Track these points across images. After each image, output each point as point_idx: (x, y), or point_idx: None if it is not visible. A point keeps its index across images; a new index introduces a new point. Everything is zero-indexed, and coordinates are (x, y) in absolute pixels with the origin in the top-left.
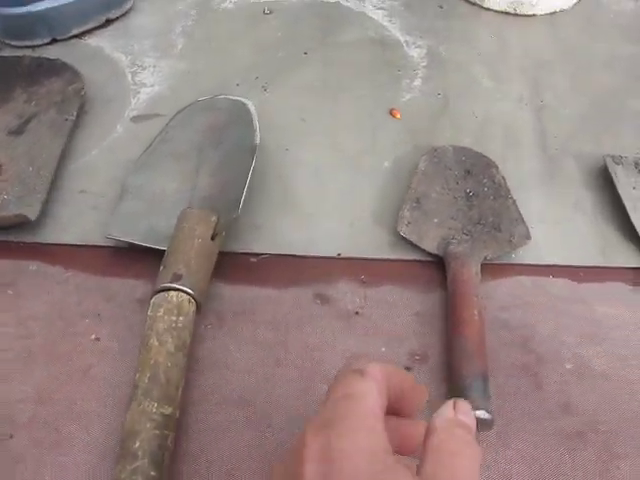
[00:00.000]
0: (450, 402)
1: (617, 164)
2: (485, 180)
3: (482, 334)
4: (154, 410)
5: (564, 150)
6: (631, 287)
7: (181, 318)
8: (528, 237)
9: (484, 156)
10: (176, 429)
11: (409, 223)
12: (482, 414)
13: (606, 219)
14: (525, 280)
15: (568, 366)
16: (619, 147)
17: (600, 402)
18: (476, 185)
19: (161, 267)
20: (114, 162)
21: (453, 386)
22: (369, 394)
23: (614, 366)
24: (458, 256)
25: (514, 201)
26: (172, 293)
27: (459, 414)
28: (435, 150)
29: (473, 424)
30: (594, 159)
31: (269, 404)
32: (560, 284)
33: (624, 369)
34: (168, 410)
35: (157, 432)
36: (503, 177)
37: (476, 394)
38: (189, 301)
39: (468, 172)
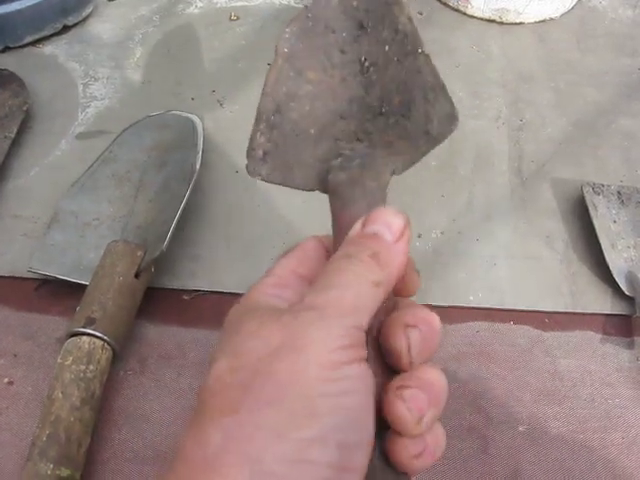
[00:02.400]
0: (361, 219)
1: (597, 194)
2: (385, 33)
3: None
4: (49, 472)
5: (541, 176)
6: (601, 336)
7: (91, 367)
8: (453, 118)
9: None
10: None
11: (266, 155)
12: None
13: (580, 257)
14: (483, 326)
15: (521, 428)
16: (603, 173)
17: (553, 471)
18: (374, 46)
19: (78, 307)
20: (54, 183)
21: None
22: None
23: (573, 429)
24: (339, 191)
25: (427, 57)
26: (84, 339)
27: (367, 226)
28: (307, 9)
29: (388, 228)
30: (573, 186)
31: None
32: (521, 332)
33: (584, 433)
34: (65, 472)
35: None
36: (410, 18)
37: None
38: (103, 348)
39: (361, 26)
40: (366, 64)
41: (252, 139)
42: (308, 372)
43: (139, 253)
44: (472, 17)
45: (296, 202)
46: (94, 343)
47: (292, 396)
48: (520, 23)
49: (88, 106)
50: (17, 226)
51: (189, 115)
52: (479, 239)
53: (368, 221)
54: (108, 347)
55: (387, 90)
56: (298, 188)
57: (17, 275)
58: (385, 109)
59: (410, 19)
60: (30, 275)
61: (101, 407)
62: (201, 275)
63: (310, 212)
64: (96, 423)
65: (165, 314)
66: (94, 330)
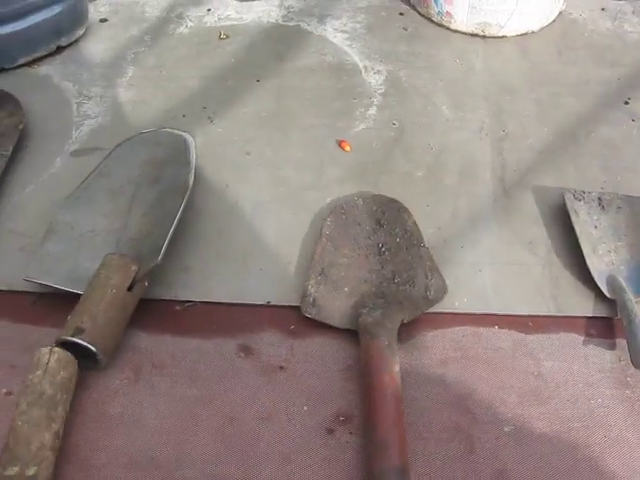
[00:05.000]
0: None
1: (578, 200)
2: (397, 230)
3: (398, 418)
4: None
5: (523, 184)
6: (584, 338)
7: (38, 372)
8: (444, 289)
9: (395, 201)
10: None
11: (315, 301)
12: None
13: (562, 262)
14: (468, 331)
15: (506, 429)
16: (583, 180)
17: (538, 470)
18: (388, 237)
19: (69, 316)
20: (49, 199)
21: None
22: None
23: (557, 429)
24: (368, 329)
25: (427, 249)
26: (44, 350)
27: None
28: (342, 207)
29: None
30: (555, 194)
31: (179, 467)
32: (505, 335)
33: (568, 432)
34: (13, 470)
35: None
36: (414, 222)
37: None
38: (50, 352)
39: (379, 223)
40: (382, 249)
41: (305, 289)
42: None
43: (133, 268)
44: (455, 31)
45: (285, 215)
46: (40, 351)
47: None
48: (502, 37)
49: (82, 124)
50: (13, 241)
51: (181, 132)
52: (464, 246)
53: None
54: (56, 349)
55: (398, 267)
56: (336, 325)
57: (14, 289)
58: (397, 280)
59: (415, 223)
60: (26, 287)
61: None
62: (193, 286)
63: (299, 224)
64: (69, 418)
65: (158, 324)
66: (82, 339)
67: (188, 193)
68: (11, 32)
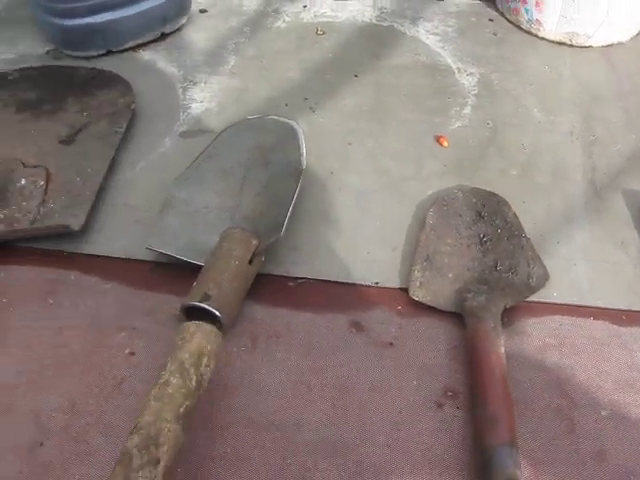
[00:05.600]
0: None
1: None
2: (497, 221)
3: (506, 395)
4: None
5: (613, 187)
6: None
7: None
8: (546, 277)
9: (494, 194)
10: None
11: (421, 285)
12: None
13: None
14: (565, 320)
15: (604, 412)
16: None
17: (635, 452)
18: (489, 228)
19: (194, 283)
20: (160, 176)
21: (478, 454)
22: None
23: None
24: (475, 312)
25: (528, 239)
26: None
27: None
28: (443, 199)
29: None
30: None
31: (297, 431)
32: (601, 327)
33: None
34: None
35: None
36: (514, 214)
37: (502, 465)
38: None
39: (479, 215)
40: (484, 239)
41: (412, 273)
42: None
43: (254, 242)
44: (543, 39)
45: (389, 204)
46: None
47: None
48: (589, 46)
49: (189, 107)
50: (129, 214)
51: (288, 120)
52: (559, 242)
53: None
54: (190, 323)
55: (500, 256)
56: (440, 308)
57: (132, 257)
58: (499, 268)
59: (515, 215)
60: (143, 256)
61: (212, 378)
62: (302, 264)
63: (402, 213)
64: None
65: (272, 298)
66: (209, 305)
67: (302, 176)
68: (121, 17)
